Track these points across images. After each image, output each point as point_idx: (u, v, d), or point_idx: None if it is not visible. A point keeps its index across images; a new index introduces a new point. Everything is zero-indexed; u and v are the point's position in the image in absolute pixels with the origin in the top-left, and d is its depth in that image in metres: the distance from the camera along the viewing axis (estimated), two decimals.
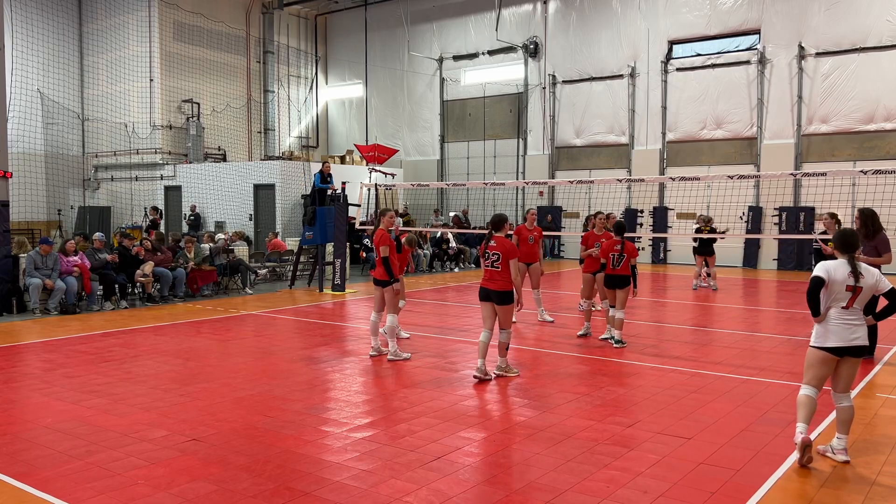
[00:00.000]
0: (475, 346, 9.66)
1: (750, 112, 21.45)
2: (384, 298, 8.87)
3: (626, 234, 9.63)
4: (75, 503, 4.58)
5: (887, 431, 6.09)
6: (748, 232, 20.77)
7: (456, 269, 20.99)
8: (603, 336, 10.04)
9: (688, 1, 22.31)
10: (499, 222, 7.91)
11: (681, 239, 21.49)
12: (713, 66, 22.02)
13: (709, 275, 16.15)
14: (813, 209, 20.27)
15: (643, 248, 22.75)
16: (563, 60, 24.75)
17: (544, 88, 25.18)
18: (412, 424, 6.18)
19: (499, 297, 7.71)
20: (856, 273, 5.17)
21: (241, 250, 17.14)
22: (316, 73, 30.61)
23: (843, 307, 5.20)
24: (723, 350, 9.51)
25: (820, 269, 5.25)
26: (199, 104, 25.77)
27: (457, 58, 27.19)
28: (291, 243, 18.55)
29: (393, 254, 8.87)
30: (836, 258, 5.37)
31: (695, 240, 16.22)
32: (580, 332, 10.28)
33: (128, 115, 25.35)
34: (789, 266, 20.74)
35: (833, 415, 5.78)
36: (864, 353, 5.37)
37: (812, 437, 5.51)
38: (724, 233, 18.12)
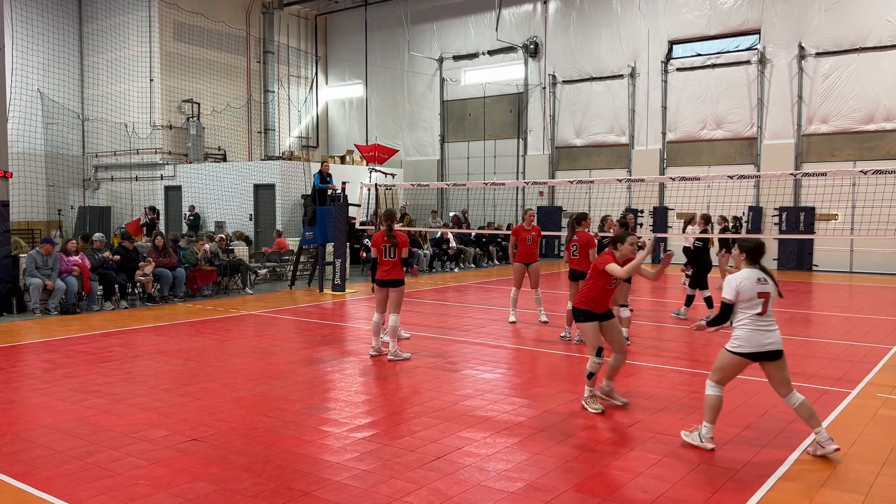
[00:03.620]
0: (475, 346, 9.68)
1: (750, 112, 21.46)
2: (387, 299, 8.85)
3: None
4: (75, 503, 4.58)
5: (887, 431, 6.09)
6: (748, 232, 20.75)
7: (456, 270, 20.99)
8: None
9: (688, 1, 22.31)
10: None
11: (681, 239, 21.47)
12: (713, 66, 22.02)
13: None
14: (813, 209, 20.28)
15: (642, 248, 22.71)
16: (563, 60, 24.75)
17: (544, 88, 25.18)
18: (412, 424, 6.18)
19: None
20: (763, 280, 5.44)
21: (241, 250, 17.14)
22: (316, 73, 30.62)
23: (758, 313, 5.40)
24: None
25: (727, 290, 5.46)
26: (199, 104, 25.78)
27: (457, 58, 27.20)
28: (291, 243, 18.55)
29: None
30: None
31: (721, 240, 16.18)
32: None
33: (128, 115, 25.35)
34: (789, 266, 20.74)
35: (830, 421, 5.76)
36: (780, 357, 5.48)
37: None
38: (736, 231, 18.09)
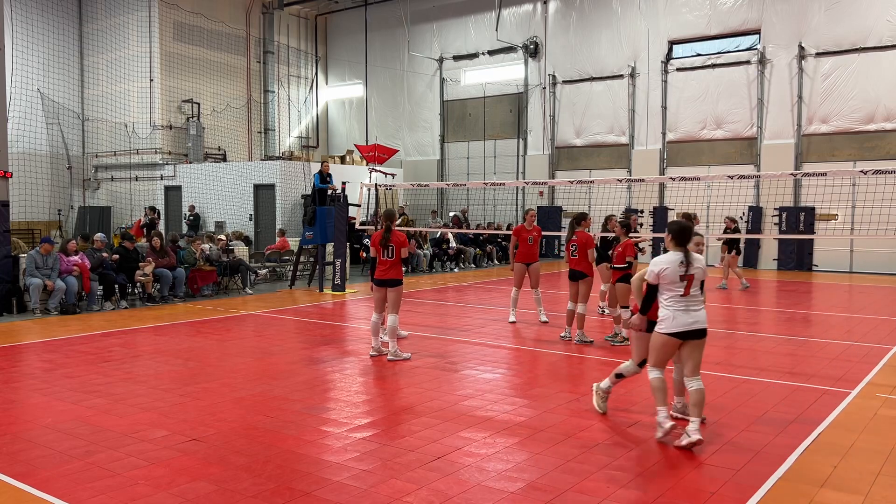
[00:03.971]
0: (475, 346, 9.68)
1: (750, 112, 21.46)
2: (385, 299, 8.86)
3: (630, 234, 9.71)
4: (75, 503, 4.58)
5: (887, 431, 6.09)
6: (748, 232, 20.77)
7: (456, 270, 20.99)
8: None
9: (688, 1, 22.32)
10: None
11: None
12: (713, 66, 22.02)
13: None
14: (813, 209, 20.28)
15: (642, 252, 22.75)
16: (563, 60, 24.76)
17: (544, 88, 25.18)
18: (412, 424, 6.18)
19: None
20: (687, 262, 5.61)
21: (241, 250, 17.14)
22: (316, 73, 30.62)
23: (681, 295, 5.63)
24: (723, 350, 9.50)
25: (650, 272, 5.70)
26: (199, 104, 25.78)
27: (457, 58, 27.20)
28: (291, 243, 18.56)
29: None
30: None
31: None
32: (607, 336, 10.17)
33: (128, 115, 25.35)
34: (789, 266, 20.74)
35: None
36: (705, 335, 5.72)
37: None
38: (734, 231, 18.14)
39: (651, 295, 5.77)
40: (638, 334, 6.09)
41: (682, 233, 5.72)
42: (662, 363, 5.80)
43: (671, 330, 5.63)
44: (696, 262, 5.66)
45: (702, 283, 5.75)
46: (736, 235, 16.32)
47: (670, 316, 5.63)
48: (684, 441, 5.52)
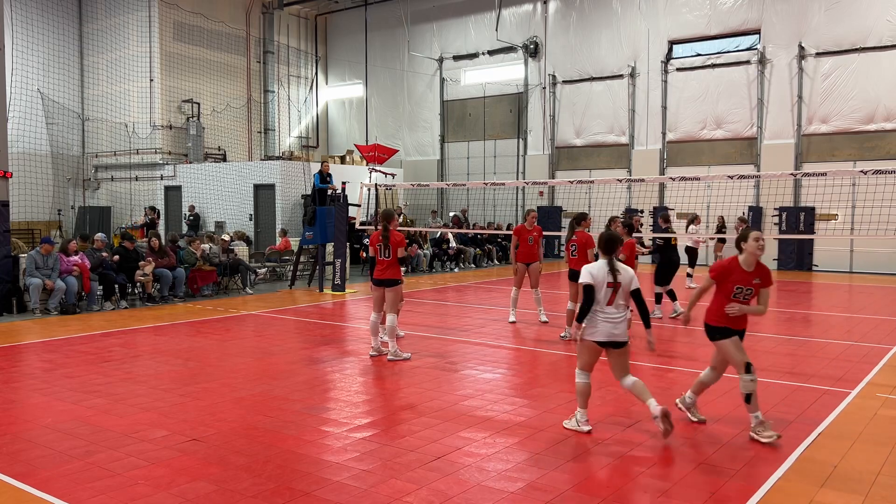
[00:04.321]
0: (475, 346, 9.69)
1: (750, 112, 21.46)
2: (384, 299, 8.87)
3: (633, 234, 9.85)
4: (75, 503, 4.58)
5: (887, 431, 6.09)
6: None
7: (456, 270, 21.00)
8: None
9: (688, 1, 22.32)
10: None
11: (684, 239, 21.51)
12: (713, 66, 22.03)
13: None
14: (813, 209, 20.28)
15: (645, 251, 22.75)
16: (563, 60, 24.76)
17: (544, 88, 25.18)
18: (412, 424, 6.18)
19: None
20: (614, 272, 5.78)
21: (242, 250, 17.14)
22: (316, 73, 30.62)
23: (607, 304, 5.80)
24: None
25: (585, 274, 5.83)
26: (199, 104, 25.78)
27: (457, 58, 27.20)
28: (292, 243, 18.56)
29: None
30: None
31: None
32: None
33: (128, 115, 25.35)
34: (789, 266, 20.74)
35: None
36: (625, 346, 5.88)
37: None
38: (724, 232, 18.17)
39: (588, 301, 5.80)
40: (726, 343, 5.90)
41: (610, 242, 5.89)
42: (588, 367, 5.97)
43: (595, 338, 5.84)
44: (622, 272, 5.82)
45: (638, 290, 5.91)
46: (720, 235, 16.33)
47: (593, 323, 5.83)
48: (657, 423, 5.70)
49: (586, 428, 5.92)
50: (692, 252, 16.88)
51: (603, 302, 5.79)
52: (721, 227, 16.99)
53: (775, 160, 20.71)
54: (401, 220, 21.30)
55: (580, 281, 5.89)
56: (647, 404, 5.76)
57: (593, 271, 5.82)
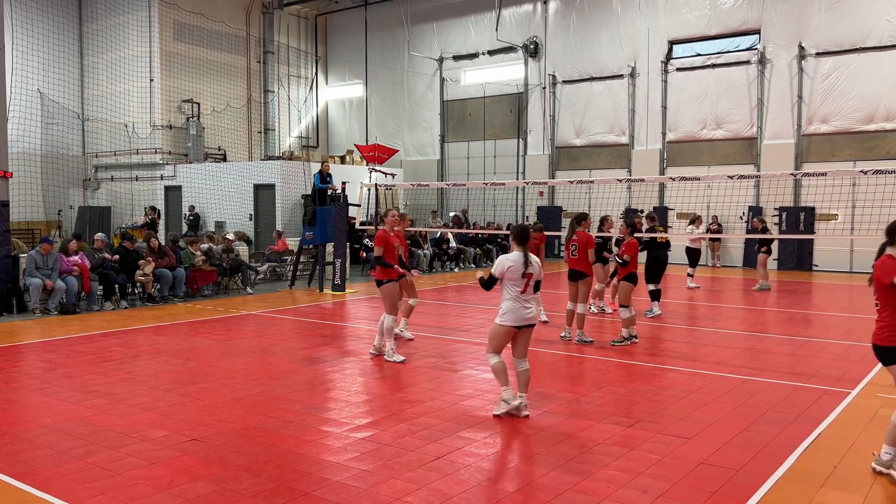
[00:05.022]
0: (475, 346, 9.69)
1: (750, 112, 21.45)
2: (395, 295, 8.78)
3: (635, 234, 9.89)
4: (75, 503, 4.58)
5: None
6: (748, 232, 20.76)
7: (456, 269, 21.00)
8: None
9: (688, 1, 22.31)
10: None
11: (681, 239, 21.51)
12: (713, 66, 22.02)
13: (690, 275, 16.42)
14: (813, 209, 20.28)
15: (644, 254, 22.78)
16: (563, 60, 24.75)
17: (544, 88, 25.18)
18: (412, 424, 6.18)
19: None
20: (527, 263, 6.28)
21: (242, 250, 17.14)
22: (316, 73, 30.62)
23: (520, 292, 6.26)
24: (723, 350, 9.51)
25: (497, 267, 6.34)
26: (199, 104, 25.77)
27: (457, 58, 27.19)
28: (291, 243, 18.57)
29: (391, 252, 8.83)
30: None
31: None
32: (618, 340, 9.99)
33: (128, 115, 25.34)
34: (789, 266, 20.74)
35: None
36: (533, 328, 6.44)
37: None
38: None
39: (489, 284, 6.47)
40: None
41: (522, 234, 6.41)
42: (499, 349, 6.40)
43: (510, 322, 6.28)
44: (534, 263, 6.34)
45: (540, 282, 6.52)
46: (765, 236, 16.32)
47: (510, 309, 6.27)
48: (501, 409, 6.33)
49: (516, 402, 6.31)
50: (693, 252, 16.86)
51: (518, 290, 6.25)
52: (762, 228, 16.80)
53: (775, 160, 20.71)
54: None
55: (492, 272, 6.37)
56: (518, 394, 6.33)
57: (509, 263, 6.27)
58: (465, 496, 4.68)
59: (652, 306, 12.20)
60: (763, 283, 15.90)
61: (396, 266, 8.73)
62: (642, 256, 11.83)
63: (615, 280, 11.56)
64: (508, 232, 10.04)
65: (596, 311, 12.45)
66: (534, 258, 6.39)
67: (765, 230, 16.72)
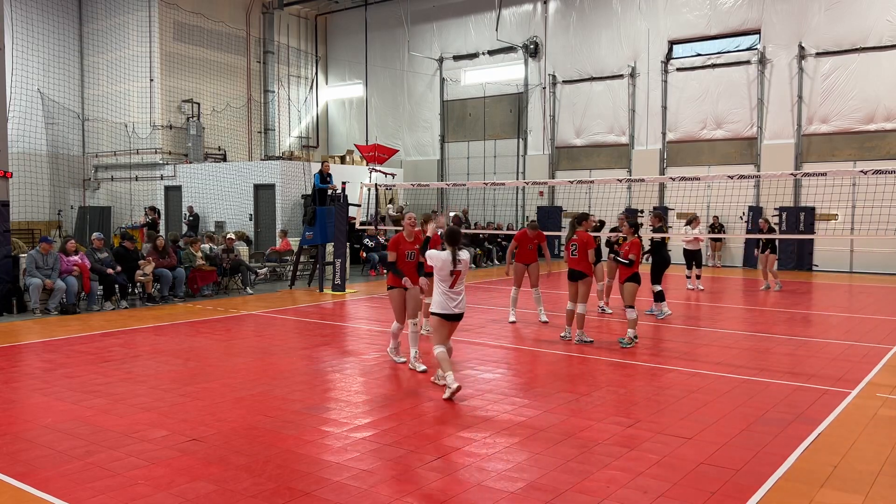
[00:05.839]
0: (475, 346, 9.69)
1: (750, 112, 21.46)
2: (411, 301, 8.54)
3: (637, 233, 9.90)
4: (75, 503, 4.58)
5: (888, 431, 6.09)
6: (748, 232, 20.77)
7: None
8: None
9: (688, 1, 22.32)
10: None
11: (676, 240, 21.52)
12: (713, 66, 22.02)
13: (698, 277, 16.23)
14: (813, 209, 20.28)
15: (647, 257, 22.76)
16: (563, 60, 24.76)
17: (544, 88, 25.18)
18: (412, 424, 6.18)
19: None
20: (455, 261, 6.94)
21: (242, 250, 17.14)
22: (316, 73, 30.62)
23: (449, 287, 6.99)
24: (723, 350, 9.51)
25: (433, 257, 6.98)
26: (199, 104, 25.78)
27: (457, 58, 27.20)
28: (292, 243, 18.57)
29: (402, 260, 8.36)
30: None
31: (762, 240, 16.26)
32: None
33: (128, 115, 25.35)
34: (789, 266, 20.73)
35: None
36: (461, 318, 7.18)
37: None
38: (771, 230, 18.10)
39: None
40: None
41: (453, 235, 7.03)
42: (443, 340, 7.04)
43: (441, 311, 7.01)
44: (462, 261, 6.99)
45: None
46: (771, 236, 16.29)
47: (441, 301, 7.00)
48: (447, 394, 6.83)
49: (455, 385, 6.82)
50: (692, 254, 16.77)
51: (447, 284, 6.95)
52: (768, 229, 16.76)
53: (775, 160, 20.71)
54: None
55: (422, 258, 7.14)
56: (445, 375, 6.92)
57: (439, 260, 6.93)
58: (465, 496, 4.68)
59: (661, 307, 12.13)
60: (773, 284, 15.82)
61: (406, 278, 8.17)
62: (647, 258, 11.87)
63: (614, 281, 11.57)
64: (511, 232, 10.04)
65: (610, 312, 12.44)
66: (463, 255, 6.99)
67: (771, 230, 16.69)
